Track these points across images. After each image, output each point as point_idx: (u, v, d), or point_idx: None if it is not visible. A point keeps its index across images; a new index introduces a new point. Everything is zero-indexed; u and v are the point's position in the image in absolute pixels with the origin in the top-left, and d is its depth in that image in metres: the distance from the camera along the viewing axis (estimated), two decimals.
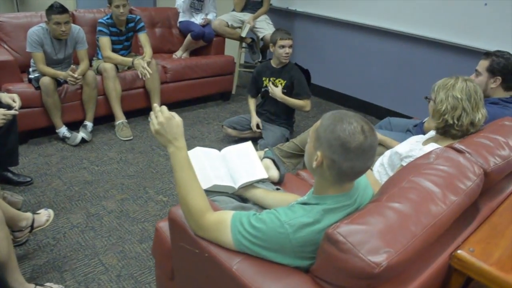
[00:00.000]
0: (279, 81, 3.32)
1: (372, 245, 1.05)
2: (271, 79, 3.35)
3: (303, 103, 3.28)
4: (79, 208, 2.58)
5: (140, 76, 3.53)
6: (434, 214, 1.21)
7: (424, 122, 2.60)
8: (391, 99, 4.26)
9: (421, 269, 1.25)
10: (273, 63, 3.33)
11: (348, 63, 4.56)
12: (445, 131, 1.87)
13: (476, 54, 3.52)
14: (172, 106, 4.13)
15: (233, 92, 4.71)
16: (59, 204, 2.60)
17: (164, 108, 1.36)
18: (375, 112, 4.40)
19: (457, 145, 1.59)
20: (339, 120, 1.18)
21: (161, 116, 1.34)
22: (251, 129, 3.47)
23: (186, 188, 1.34)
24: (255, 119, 3.42)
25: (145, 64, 3.51)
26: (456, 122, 1.81)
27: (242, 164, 1.79)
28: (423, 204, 1.23)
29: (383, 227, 1.11)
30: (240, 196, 1.78)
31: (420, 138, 2.07)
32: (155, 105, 1.38)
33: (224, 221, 1.29)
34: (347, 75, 4.60)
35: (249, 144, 1.91)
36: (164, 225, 1.70)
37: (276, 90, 3.25)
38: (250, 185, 1.75)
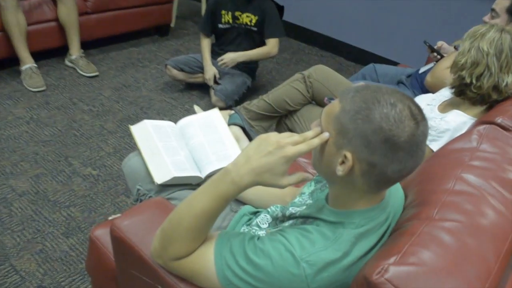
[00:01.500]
0: (247, 16, 2.98)
1: None
2: (235, 13, 2.98)
3: (269, 49, 3.03)
4: None
5: None
6: (502, 228, 0.98)
7: (420, 72, 2.40)
8: (370, 39, 4.02)
9: None
10: None
11: None
12: (460, 91, 1.65)
13: None
14: (96, 44, 3.69)
15: (172, 25, 4.28)
16: None
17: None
18: (351, 55, 4.18)
19: (500, 119, 1.35)
20: (373, 101, 0.88)
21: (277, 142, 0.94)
22: (203, 71, 3.13)
23: (188, 220, 0.98)
24: (210, 70, 3.06)
25: None
26: (474, 82, 1.59)
27: (208, 142, 1.52)
28: (486, 216, 1.00)
29: (447, 264, 0.86)
30: None
31: (430, 99, 1.85)
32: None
33: (205, 250, 0.99)
34: (313, 5, 4.28)
35: (215, 112, 1.61)
36: (102, 235, 1.36)
37: (230, 57, 2.97)
38: None
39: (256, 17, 2.97)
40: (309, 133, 0.95)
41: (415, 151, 0.88)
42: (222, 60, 2.99)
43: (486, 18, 2.15)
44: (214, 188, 0.97)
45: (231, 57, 2.98)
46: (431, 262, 0.86)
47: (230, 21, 3.03)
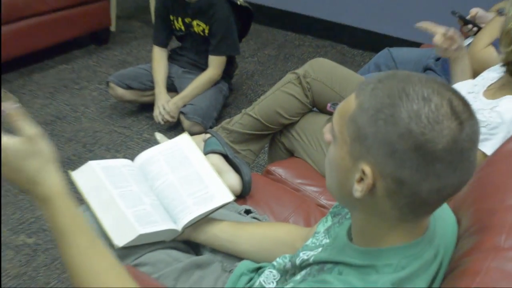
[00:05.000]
0: (197, 24, 3.08)
1: None
2: (185, 20, 3.09)
3: (209, 73, 3.14)
4: None
5: None
6: None
7: None
8: (381, 17, 4.09)
9: None
10: None
11: None
12: None
13: None
14: (12, 66, 3.70)
15: (113, 28, 4.35)
16: None
17: None
18: (356, 41, 4.24)
19: None
20: (400, 95, 0.88)
21: None
22: None
23: (83, 281, 1.01)
24: (161, 100, 3.13)
25: None
26: None
27: (180, 181, 1.52)
28: None
29: None
30: (188, 242, 1.51)
31: (472, 85, 1.88)
32: None
33: None
34: None
35: (184, 138, 1.62)
36: None
37: (170, 109, 3.07)
38: (203, 219, 1.47)
39: (208, 27, 3.08)
40: None
41: (459, 162, 0.88)
42: (164, 118, 3.06)
43: None
44: (53, 232, 1.00)
45: (170, 109, 3.05)
46: None
47: (183, 28, 3.16)
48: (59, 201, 0.97)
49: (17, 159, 0.94)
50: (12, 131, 0.95)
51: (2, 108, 0.94)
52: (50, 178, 0.97)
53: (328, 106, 2.04)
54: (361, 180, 0.90)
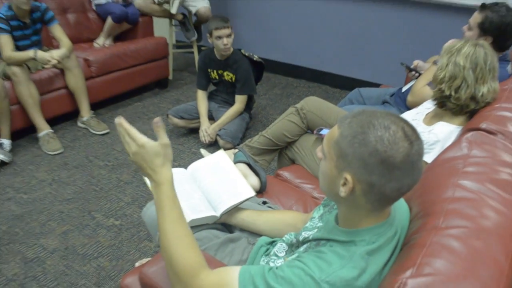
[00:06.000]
0: (227, 74, 3.07)
1: None
2: (219, 71, 3.09)
3: (237, 106, 3.08)
4: (12, 254, 2.12)
5: (47, 66, 3.04)
6: (506, 228, 0.95)
7: (403, 91, 2.39)
8: (351, 66, 4.04)
9: None
10: (216, 53, 3.01)
11: (295, 31, 4.26)
12: (442, 103, 1.64)
13: (431, 7, 3.34)
14: (103, 104, 3.70)
15: (170, 77, 4.30)
16: None
17: (133, 133, 0.98)
18: (335, 83, 4.18)
19: (485, 124, 1.34)
20: (368, 125, 0.87)
21: (133, 144, 0.98)
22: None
23: (169, 239, 1.00)
24: (203, 125, 3.09)
25: (54, 56, 3.00)
26: (453, 93, 1.58)
27: (219, 182, 1.48)
28: (489, 218, 0.97)
29: (461, 270, 0.84)
30: (224, 224, 1.47)
31: (415, 114, 1.83)
32: (120, 122, 0.99)
33: (228, 284, 0.95)
34: (296, 44, 4.31)
35: (221, 153, 1.57)
36: (132, 283, 1.32)
37: (210, 133, 3.02)
38: (234, 208, 1.42)
39: (234, 76, 3.05)
40: None
41: (411, 169, 0.87)
42: (206, 139, 3.01)
43: (465, 27, 2.15)
44: (157, 205, 1.01)
45: (210, 132, 3.01)
46: (446, 270, 0.83)
47: (217, 77, 3.13)
48: (166, 186, 1.00)
49: (151, 154, 0.97)
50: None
51: (155, 120, 0.99)
52: (165, 171, 1.00)
53: (315, 132, 2.03)
54: (344, 184, 0.89)
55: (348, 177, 0.88)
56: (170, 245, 0.99)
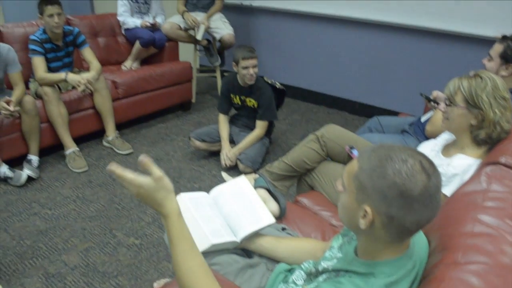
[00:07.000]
0: (249, 100, 3.13)
1: None
2: (241, 97, 3.13)
3: (257, 132, 3.11)
4: (35, 269, 2.16)
5: (79, 90, 3.12)
6: None
7: (422, 121, 2.38)
8: (370, 94, 4.05)
9: None
10: (240, 80, 3.06)
11: (316, 58, 4.30)
12: (475, 136, 1.58)
13: (452, 37, 3.35)
14: (128, 124, 3.78)
15: (193, 100, 4.36)
16: (8, 266, 2.17)
17: (127, 177, 0.96)
18: (354, 109, 4.19)
19: (504, 159, 1.33)
20: (386, 159, 0.88)
21: (132, 187, 0.97)
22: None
23: (181, 271, 1.01)
24: (224, 148, 3.11)
25: (83, 78, 3.08)
26: (498, 128, 1.54)
27: (240, 208, 1.48)
28: (508, 255, 0.96)
29: None
30: (243, 248, 1.47)
31: (433, 145, 1.82)
32: (111, 170, 0.98)
33: None
34: (316, 70, 4.35)
35: (242, 179, 1.58)
36: None
37: (230, 157, 3.04)
38: (254, 234, 1.43)
39: (257, 102, 3.09)
40: None
41: (429, 202, 0.87)
42: (227, 162, 3.03)
43: (485, 60, 2.16)
44: (168, 238, 1.01)
45: (231, 156, 3.03)
46: None
47: (239, 103, 3.17)
48: (174, 218, 1.00)
49: (150, 191, 0.97)
50: (145, 173, 0.99)
51: (139, 158, 0.97)
52: (170, 203, 0.99)
53: (346, 148, 2.02)
54: (364, 216, 0.90)
55: (368, 209, 0.89)
56: (183, 276, 1.00)
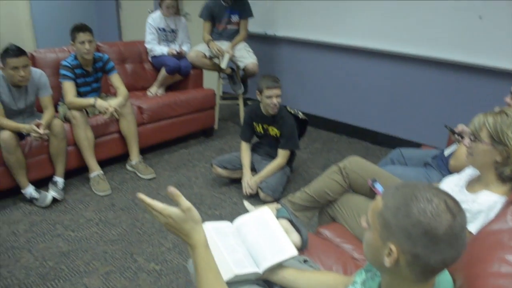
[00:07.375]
0: (272, 129, 3.15)
1: None
2: (264, 126, 3.17)
3: (279, 161, 3.11)
4: None
5: (105, 117, 3.21)
6: None
7: (446, 155, 2.36)
8: (392, 124, 4.04)
9: None
10: (263, 109, 3.09)
11: (338, 88, 4.34)
12: (501, 173, 1.57)
13: (475, 70, 3.35)
14: (151, 149, 3.84)
15: (216, 127, 4.42)
16: (30, 287, 2.19)
17: (158, 206, 1.03)
18: (376, 140, 4.18)
19: None
20: (411, 198, 0.89)
21: (161, 216, 1.03)
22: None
23: None
24: (246, 176, 3.12)
25: (111, 105, 3.16)
26: None
27: (263, 239, 1.47)
28: None
29: None
30: (265, 280, 1.45)
31: (457, 179, 1.79)
32: (141, 198, 1.05)
33: None
34: (338, 100, 4.38)
35: (266, 210, 1.58)
36: None
37: (251, 186, 3.05)
38: (276, 265, 1.42)
39: (279, 131, 3.11)
40: None
41: (455, 241, 0.87)
42: (248, 191, 3.04)
43: (507, 99, 2.15)
44: (195, 267, 1.04)
45: (251, 185, 3.04)
46: None
47: (262, 131, 3.20)
48: (201, 249, 1.03)
49: (179, 222, 1.01)
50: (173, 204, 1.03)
51: (168, 189, 1.02)
52: (197, 235, 1.03)
53: (369, 182, 2.02)
54: (389, 254, 0.90)
55: (393, 247, 0.89)
56: None
